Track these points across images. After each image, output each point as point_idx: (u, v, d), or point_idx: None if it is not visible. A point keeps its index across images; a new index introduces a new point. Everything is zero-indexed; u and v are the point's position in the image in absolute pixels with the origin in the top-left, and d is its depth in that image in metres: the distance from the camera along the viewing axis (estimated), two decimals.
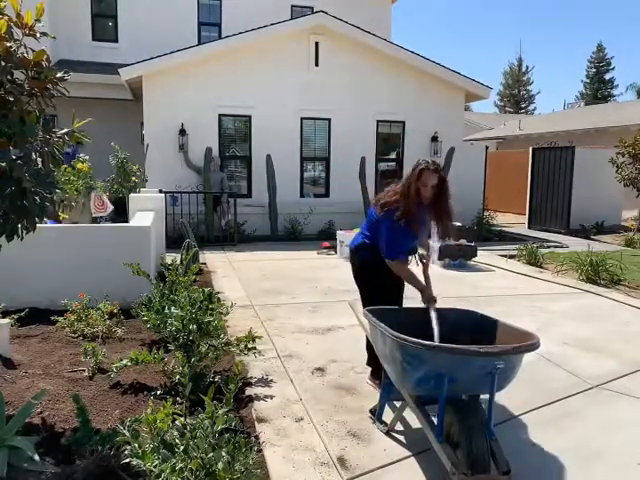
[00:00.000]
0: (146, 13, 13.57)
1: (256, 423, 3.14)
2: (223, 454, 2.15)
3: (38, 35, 2.57)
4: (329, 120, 11.74)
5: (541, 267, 8.43)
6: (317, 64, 11.43)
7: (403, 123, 12.27)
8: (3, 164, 2.39)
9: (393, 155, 12.60)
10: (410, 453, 2.89)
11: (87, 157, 7.18)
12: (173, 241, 8.73)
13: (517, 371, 2.58)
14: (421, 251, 3.61)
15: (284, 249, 9.66)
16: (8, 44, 2.45)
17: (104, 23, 13.99)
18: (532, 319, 5.39)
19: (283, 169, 11.03)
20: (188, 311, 3.50)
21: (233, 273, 7.56)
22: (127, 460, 2.22)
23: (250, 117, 11.25)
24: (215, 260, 8.49)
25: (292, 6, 14.79)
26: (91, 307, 4.69)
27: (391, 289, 3.60)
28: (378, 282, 3.58)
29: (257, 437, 2.97)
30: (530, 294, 6.67)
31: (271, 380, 3.78)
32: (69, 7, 13.05)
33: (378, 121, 12.10)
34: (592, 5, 75.14)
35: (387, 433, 3.08)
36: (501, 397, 3.32)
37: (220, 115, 11.12)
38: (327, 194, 12.01)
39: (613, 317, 5.74)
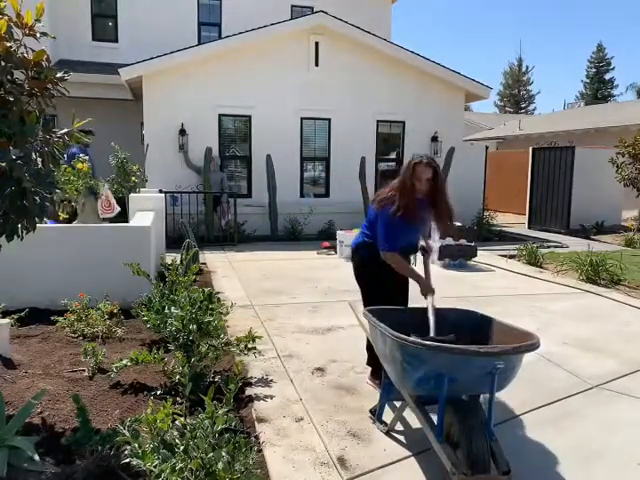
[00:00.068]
0: (146, 13, 13.57)
1: (256, 423, 3.14)
2: (223, 454, 2.15)
3: (38, 35, 2.56)
4: (329, 120, 11.74)
5: (541, 267, 8.43)
6: (317, 64, 11.43)
7: (403, 123, 12.28)
8: (3, 164, 2.39)
9: (393, 155, 12.60)
10: (410, 453, 2.89)
11: (87, 157, 7.16)
12: (173, 241, 8.73)
13: (517, 371, 2.57)
14: (422, 242, 3.62)
15: (284, 249, 9.66)
16: (8, 44, 2.45)
17: (104, 23, 13.98)
18: (532, 319, 5.39)
19: (283, 169, 11.03)
20: (188, 311, 3.50)
21: (233, 273, 7.56)
22: (127, 460, 2.22)
23: (250, 117, 11.25)
24: (215, 260, 8.49)
25: (292, 6, 14.79)
26: (91, 307, 4.68)
27: (393, 289, 3.59)
28: (379, 281, 3.58)
29: (257, 437, 2.97)
30: (530, 294, 6.67)
31: (271, 380, 3.78)
32: (69, 7, 13.05)
33: (378, 121, 12.10)
34: (592, 5, 75.25)
35: (387, 433, 3.08)
36: (501, 397, 3.33)
37: (220, 115, 11.12)
38: (327, 194, 12.01)
39: (613, 317, 5.74)
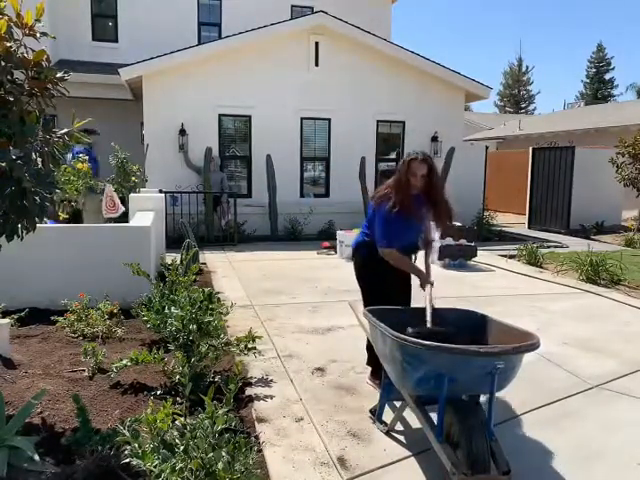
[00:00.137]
0: (146, 13, 13.57)
1: (256, 423, 3.14)
2: (223, 454, 2.15)
3: (38, 35, 2.57)
4: (329, 120, 11.74)
5: (541, 267, 8.43)
6: (317, 64, 11.43)
7: (403, 123, 12.28)
8: (3, 164, 2.39)
9: (393, 155, 12.60)
10: (410, 453, 2.89)
11: (87, 157, 7.17)
12: (173, 241, 8.73)
13: (517, 371, 2.58)
14: (424, 235, 3.64)
15: (284, 249, 9.66)
16: (8, 44, 2.45)
17: (104, 23, 13.98)
18: (532, 319, 5.39)
19: (283, 169, 11.03)
20: (188, 311, 3.50)
21: (233, 273, 7.56)
22: (127, 460, 2.22)
23: (250, 117, 11.25)
24: (215, 260, 8.49)
25: (292, 6, 14.79)
26: (91, 307, 4.68)
27: (395, 288, 3.59)
28: (380, 280, 3.58)
29: (257, 437, 2.97)
30: (530, 294, 6.67)
31: (271, 380, 3.78)
32: (69, 7, 13.05)
33: (378, 121, 12.10)
34: (592, 5, 75.24)
35: (387, 433, 3.08)
36: (501, 397, 3.33)
37: (220, 115, 11.12)
38: (327, 194, 12.01)
39: (613, 317, 5.74)
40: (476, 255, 8.59)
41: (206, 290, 3.70)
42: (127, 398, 3.36)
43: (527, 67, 48.13)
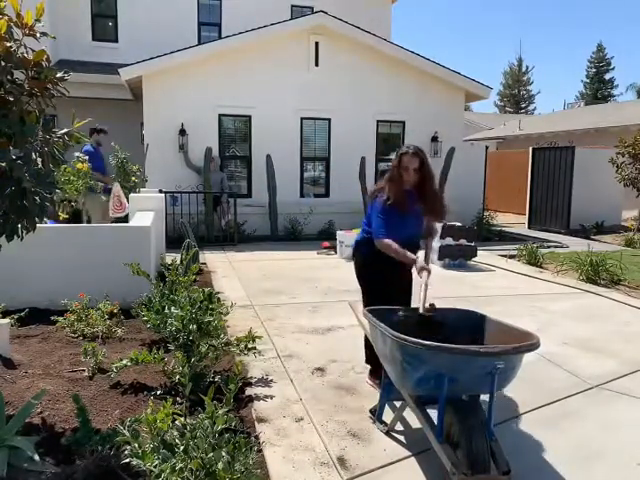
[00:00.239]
0: (146, 13, 13.57)
1: (256, 423, 3.14)
2: (223, 454, 2.15)
3: (38, 35, 2.56)
4: (329, 120, 11.74)
5: (541, 267, 8.43)
6: (317, 64, 11.43)
7: (403, 123, 12.27)
8: (3, 164, 2.39)
9: (393, 155, 12.58)
10: (410, 453, 2.89)
11: (87, 157, 7.15)
12: (173, 241, 8.72)
13: (517, 371, 2.58)
14: (425, 224, 3.67)
15: (284, 249, 9.66)
16: (8, 44, 2.45)
17: (104, 23, 13.97)
18: (532, 319, 5.39)
19: (283, 169, 11.03)
20: (188, 311, 3.50)
21: (233, 273, 7.56)
22: (127, 460, 2.22)
23: (250, 117, 11.24)
24: (215, 260, 8.49)
25: (292, 6, 14.79)
26: (91, 307, 4.68)
27: (395, 287, 3.58)
28: (380, 280, 3.58)
29: (257, 437, 2.97)
30: (530, 294, 6.67)
31: (271, 380, 3.78)
32: (69, 7, 13.04)
33: (378, 121, 12.10)
34: (592, 5, 75.32)
35: (387, 433, 3.08)
36: (501, 397, 3.33)
37: (220, 115, 11.11)
38: (327, 194, 12.01)
39: (613, 317, 5.74)
40: (476, 255, 8.59)
41: (206, 290, 3.70)
42: (127, 398, 3.36)
43: (527, 67, 48.24)
